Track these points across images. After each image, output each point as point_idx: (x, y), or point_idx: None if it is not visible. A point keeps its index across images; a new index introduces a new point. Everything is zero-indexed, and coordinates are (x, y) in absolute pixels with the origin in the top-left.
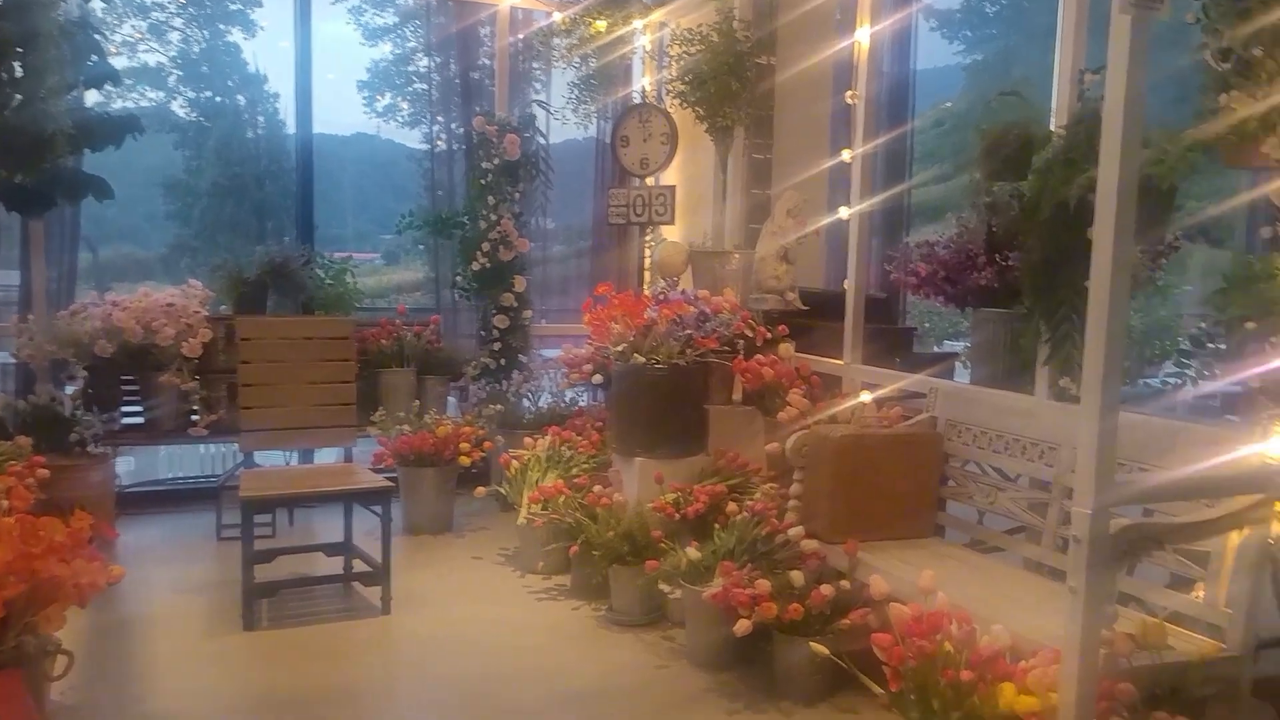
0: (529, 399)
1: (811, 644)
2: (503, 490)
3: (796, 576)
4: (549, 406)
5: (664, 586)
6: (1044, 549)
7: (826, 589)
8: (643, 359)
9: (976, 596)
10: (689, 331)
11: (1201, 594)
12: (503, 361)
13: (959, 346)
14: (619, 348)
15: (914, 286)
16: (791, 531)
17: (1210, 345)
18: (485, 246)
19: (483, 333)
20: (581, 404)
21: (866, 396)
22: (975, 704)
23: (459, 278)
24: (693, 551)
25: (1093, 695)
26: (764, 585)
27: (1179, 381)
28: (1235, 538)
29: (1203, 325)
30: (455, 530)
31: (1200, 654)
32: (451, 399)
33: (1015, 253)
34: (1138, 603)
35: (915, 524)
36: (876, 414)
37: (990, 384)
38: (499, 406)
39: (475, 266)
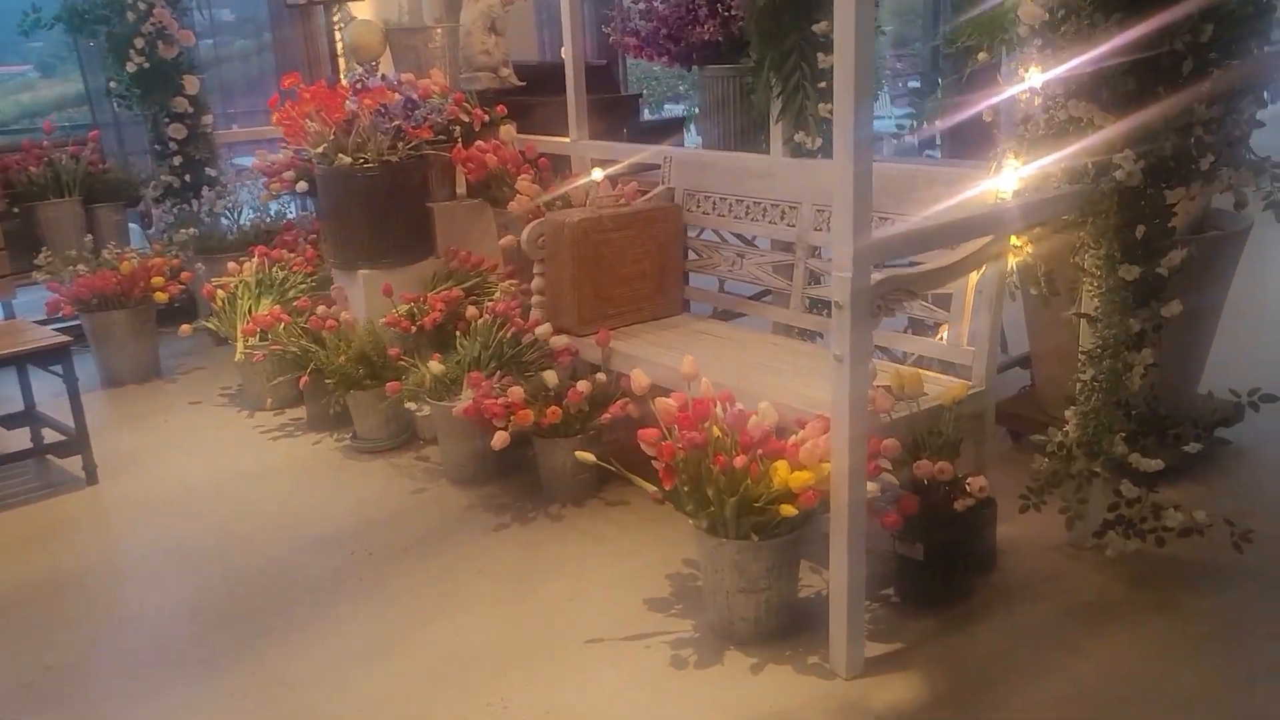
0: (228, 217)
1: (577, 453)
2: (211, 325)
3: (550, 377)
4: (252, 224)
5: (410, 405)
6: (793, 311)
7: (582, 385)
8: (349, 159)
9: (736, 372)
10: (397, 123)
11: (945, 335)
12: (188, 178)
13: (679, 110)
14: (319, 149)
15: (635, 49)
16: (539, 330)
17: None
18: (139, 43)
19: (158, 147)
20: (290, 217)
21: (598, 174)
22: (750, 487)
23: (114, 83)
24: (435, 365)
25: (864, 459)
26: (517, 392)
27: (910, 124)
28: (974, 277)
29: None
30: (165, 375)
31: (951, 395)
32: (134, 227)
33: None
34: (882, 351)
35: (663, 303)
36: (612, 192)
37: (723, 146)
38: (192, 230)
39: (131, 68)
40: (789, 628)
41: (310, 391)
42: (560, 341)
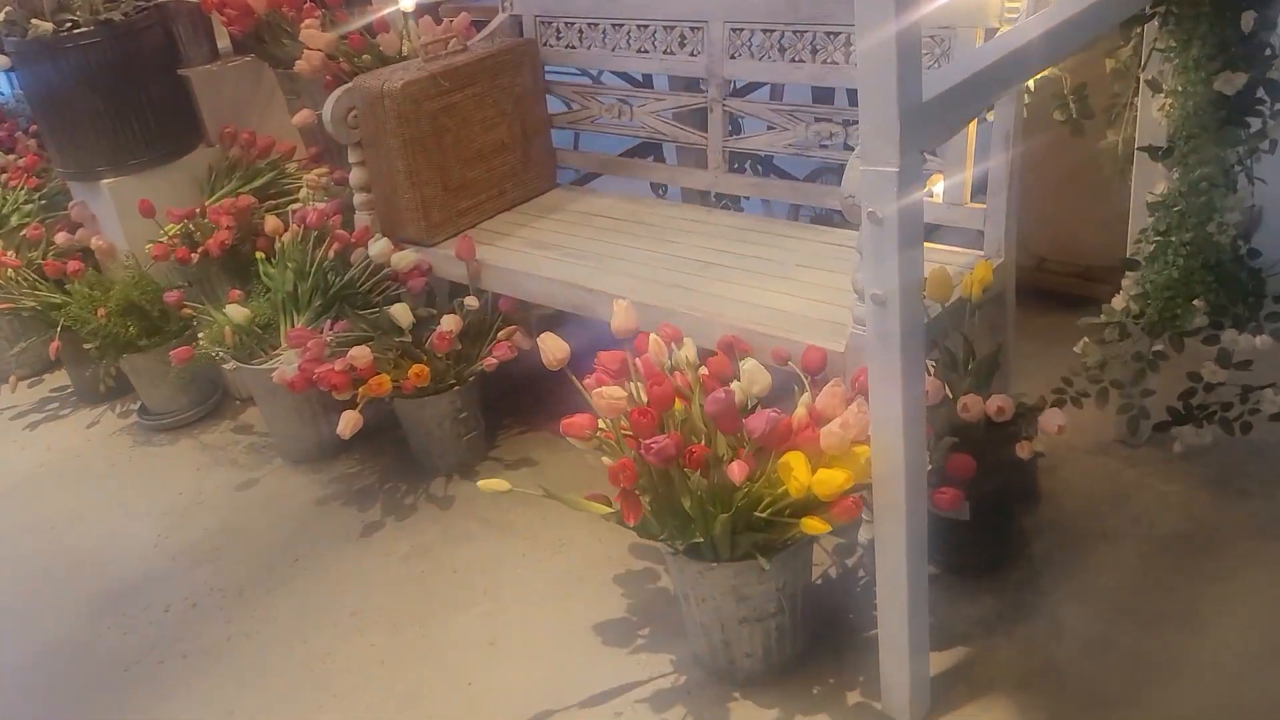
0: None
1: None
2: None
3: (401, 312)
4: None
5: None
6: (712, 173)
7: (449, 322)
8: (49, 24)
9: (666, 280)
10: None
11: (938, 191)
12: None
13: None
14: (1, 15)
15: None
16: (374, 247)
17: None
18: None
19: None
20: (1, 99)
21: (409, 2)
22: (750, 493)
23: None
24: (237, 311)
25: (922, 442)
26: (363, 354)
27: None
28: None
29: None
30: None
31: (978, 281)
32: None
33: None
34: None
35: (532, 179)
36: (436, 30)
37: None
38: None
39: None
40: (809, 649)
41: (70, 357)
42: (405, 260)
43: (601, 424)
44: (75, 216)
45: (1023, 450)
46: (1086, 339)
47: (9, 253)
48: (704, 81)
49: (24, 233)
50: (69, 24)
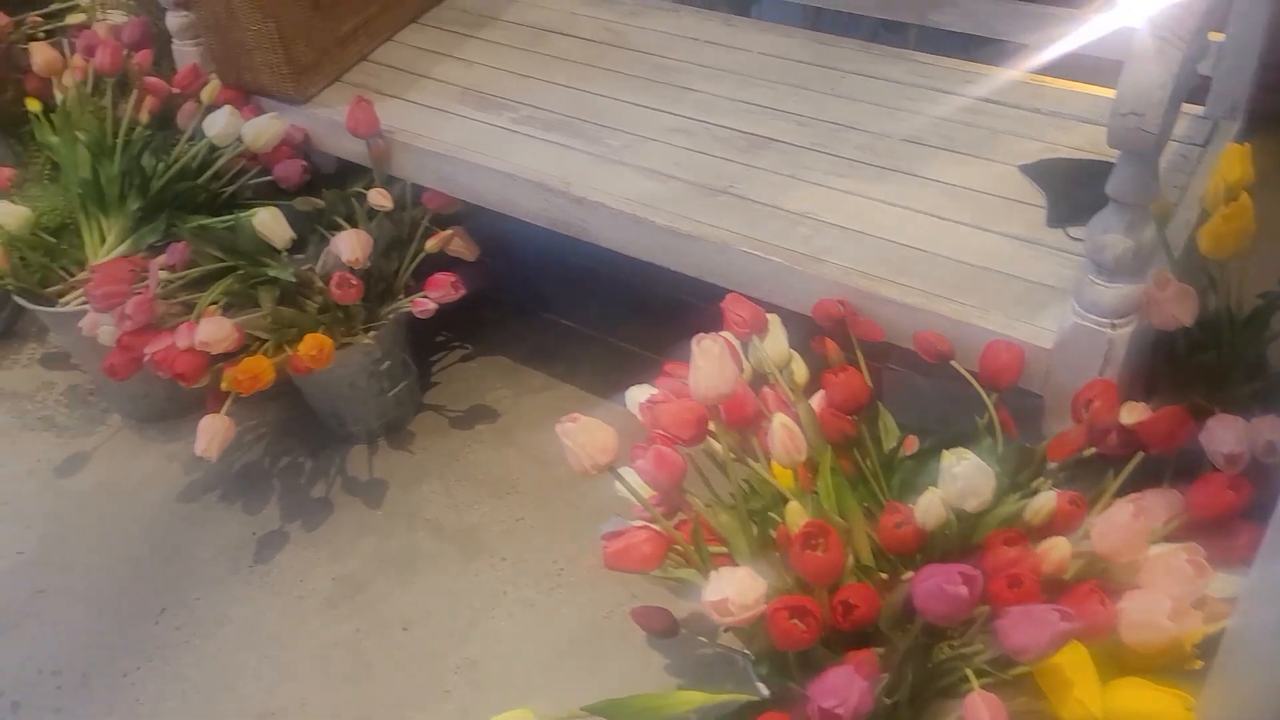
0: None
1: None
2: None
3: (274, 225)
4: None
5: None
6: None
7: (353, 244)
8: None
9: (710, 181)
10: None
11: None
12: None
13: None
14: None
15: None
16: (215, 120)
17: None
18: None
19: None
20: None
21: None
22: None
23: None
24: (11, 214)
25: None
26: (219, 330)
27: None
28: None
29: None
30: None
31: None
32: None
33: None
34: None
35: None
36: None
37: None
38: None
39: None
40: None
41: None
42: (266, 132)
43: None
44: None
45: None
46: None
47: None
48: None
49: None
50: None
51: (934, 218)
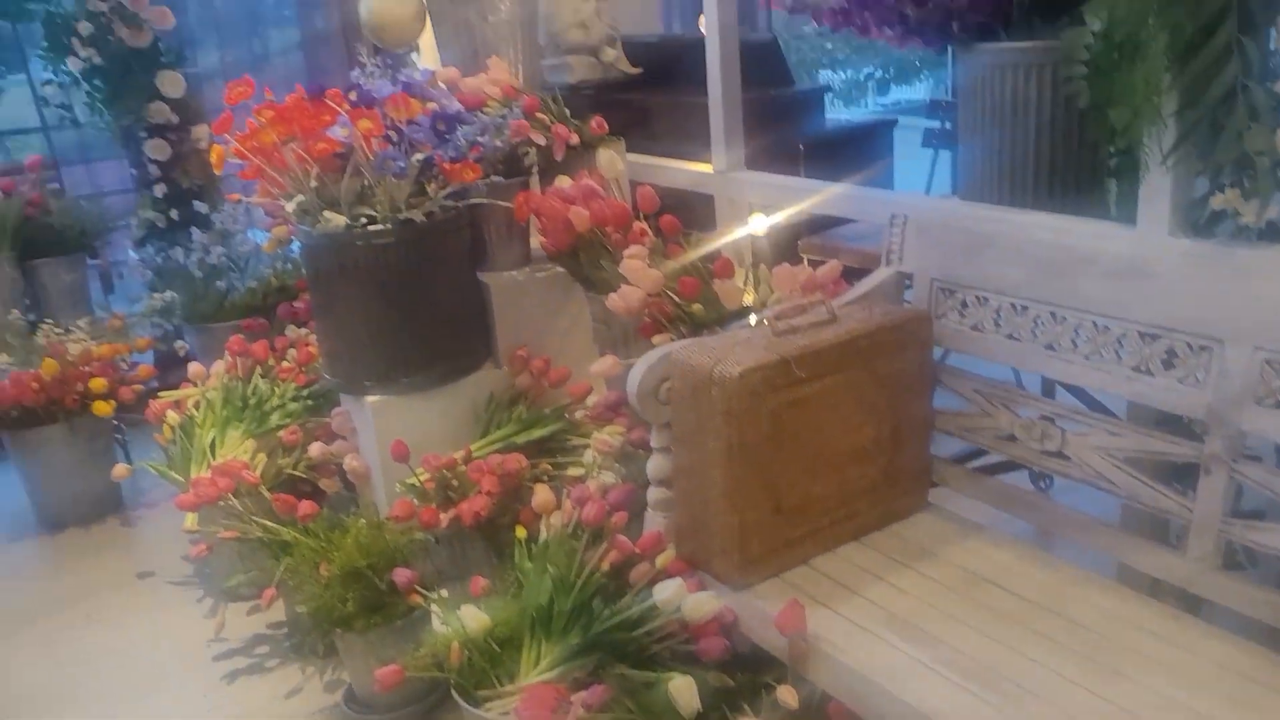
0: (234, 270)
1: None
2: (156, 469)
3: (685, 693)
4: (263, 281)
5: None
6: (1193, 562)
7: None
8: (343, 219)
9: None
10: (426, 154)
11: None
12: (174, 214)
13: (836, 79)
14: (294, 203)
15: (834, 14)
16: (661, 593)
17: None
18: (85, 29)
19: (134, 171)
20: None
21: (761, 224)
22: None
23: (50, 86)
24: (475, 619)
25: None
26: None
27: None
28: None
29: None
30: (128, 506)
31: None
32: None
33: None
34: None
35: (893, 498)
36: (795, 285)
37: (1007, 195)
38: (168, 295)
39: (75, 65)
40: None
41: (289, 605)
42: (705, 605)
43: None
44: (336, 427)
45: None
46: None
47: (257, 458)
48: (1199, 424)
49: (281, 433)
50: (364, 219)
51: None
